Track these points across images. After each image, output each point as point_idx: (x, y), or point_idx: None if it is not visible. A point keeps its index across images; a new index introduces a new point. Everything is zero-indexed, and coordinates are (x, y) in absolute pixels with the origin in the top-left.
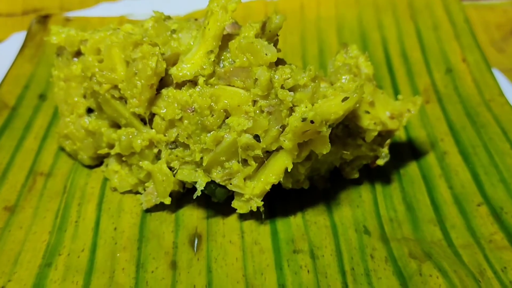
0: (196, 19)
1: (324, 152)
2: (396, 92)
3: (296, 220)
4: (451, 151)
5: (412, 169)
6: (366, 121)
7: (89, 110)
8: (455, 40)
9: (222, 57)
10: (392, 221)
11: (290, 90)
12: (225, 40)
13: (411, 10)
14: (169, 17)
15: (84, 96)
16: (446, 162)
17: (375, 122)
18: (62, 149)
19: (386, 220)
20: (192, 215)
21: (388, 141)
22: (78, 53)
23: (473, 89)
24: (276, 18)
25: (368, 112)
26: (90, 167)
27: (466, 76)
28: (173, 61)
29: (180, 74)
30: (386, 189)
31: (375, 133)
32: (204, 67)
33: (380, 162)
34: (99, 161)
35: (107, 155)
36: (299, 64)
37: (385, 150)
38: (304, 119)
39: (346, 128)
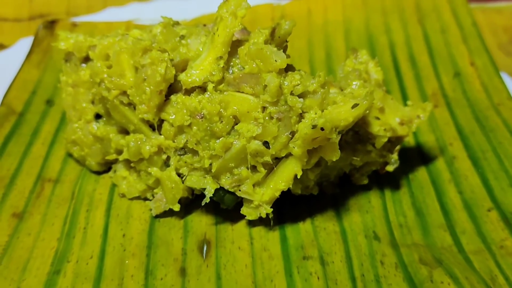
0: (204, 25)
1: (334, 159)
2: (404, 96)
3: (305, 226)
4: (460, 156)
5: (421, 174)
6: (376, 127)
7: (97, 116)
8: (463, 44)
9: (232, 63)
10: (401, 227)
11: (299, 96)
12: (234, 46)
13: (419, 14)
14: (177, 23)
15: (92, 102)
16: (455, 167)
17: (385, 128)
18: (69, 155)
19: (395, 225)
20: (201, 221)
21: (398, 147)
22: (87, 59)
23: (481, 93)
24: (286, 24)
25: (378, 118)
26: (98, 173)
27: (474, 80)
28: (182, 67)
29: (189, 80)
30: (395, 194)
31: (385, 140)
32: (214, 73)
33: (390, 168)
34: (107, 167)
35: (115, 161)
36: (306, 68)
37: (394, 156)
38: (314, 126)
39: (356, 134)
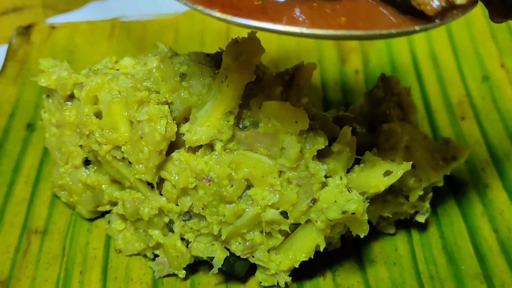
0: (207, 55)
1: (362, 235)
2: (426, 104)
3: (326, 283)
4: (494, 185)
5: (450, 206)
6: (411, 179)
7: (87, 161)
8: (491, 40)
9: (243, 116)
10: (433, 279)
11: (321, 155)
12: (246, 94)
13: None
14: (175, 53)
15: (81, 145)
16: (488, 198)
17: (421, 179)
18: (57, 195)
19: (426, 278)
20: (209, 283)
21: (430, 195)
22: (72, 96)
23: None
24: (306, 69)
25: (413, 167)
26: (91, 219)
27: (505, 86)
28: (184, 115)
29: (194, 138)
30: (424, 235)
31: (421, 192)
32: (222, 131)
33: (421, 218)
34: (100, 213)
35: (109, 210)
36: (316, 72)
37: (426, 205)
38: (344, 212)
39: None
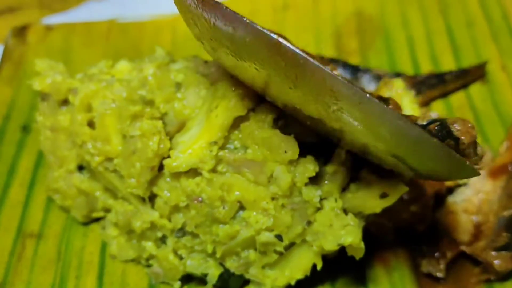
0: (206, 62)
1: (357, 258)
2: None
3: None
4: None
5: None
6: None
7: (81, 167)
8: (492, 41)
9: (233, 137)
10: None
11: (315, 176)
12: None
13: (441, 4)
14: (172, 59)
15: None
16: None
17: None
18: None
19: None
20: None
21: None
22: (66, 101)
23: None
24: None
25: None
26: (86, 223)
27: (506, 90)
28: (177, 129)
29: (174, 164)
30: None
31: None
32: (204, 160)
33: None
34: (95, 218)
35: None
36: None
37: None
38: (340, 244)
39: None
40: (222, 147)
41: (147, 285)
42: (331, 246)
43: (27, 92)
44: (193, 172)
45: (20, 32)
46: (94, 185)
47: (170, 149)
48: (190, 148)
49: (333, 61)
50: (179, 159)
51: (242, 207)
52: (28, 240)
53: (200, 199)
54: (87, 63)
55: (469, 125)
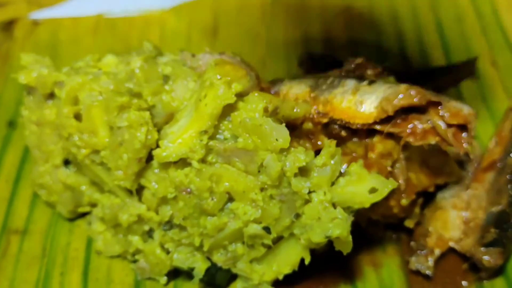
0: (193, 55)
1: (345, 253)
2: None
3: None
4: None
5: None
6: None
7: (67, 161)
8: (482, 37)
9: (223, 127)
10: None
11: (304, 169)
12: (227, 107)
13: None
14: (160, 53)
15: None
16: None
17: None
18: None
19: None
20: (194, 285)
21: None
22: (52, 94)
23: (504, 102)
24: (296, 108)
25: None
26: (72, 218)
27: (496, 85)
28: (166, 120)
29: (164, 154)
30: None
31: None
32: (194, 150)
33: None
34: (81, 213)
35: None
36: None
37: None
38: (328, 237)
39: None
40: (212, 137)
41: (132, 281)
42: (318, 238)
43: (13, 88)
44: (182, 162)
45: (7, 26)
46: (80, 179)
47: (158, 140)
48: (180, 138)
49: (323, 57)
50: (168, 149)
51: (230, 199)
52: (13, 236)
53: (188, 190)
54: (74, 58)
55: None
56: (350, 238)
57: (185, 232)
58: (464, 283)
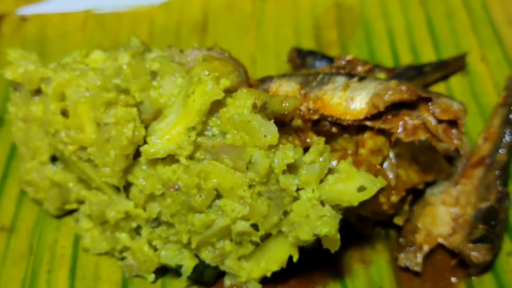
0: (181, 51)
1: (333, 251)
2: None
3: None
4: None
5: None
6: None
7: (54, 158)
8: (471, 32)
9: (211, 123)
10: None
11: (292, 166)
12: (215, 103)
13: None
14: (148, 49)
15: None
16: None
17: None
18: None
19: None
20: (182, 282)
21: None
22: (39, 90)
23: (494, 97)
24: (285, 102)
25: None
26: (59, 216)
27: (486, 80)
28: (153, 117)
29: (152, 150)
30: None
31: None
32: (183, 146)
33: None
34: (68, 210)
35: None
36: None
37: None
38: (316, 235)
39: None
40: (200, 134)
41: (120, 278)
42: (306, 236)
43: (0, 83)
44: (170, 159)
45: None
46: (67, 176)
47: (145, 136)
48: (168, 134)
49: (312, 54)
50: (156, 145)
51: (218, 196)
52: (0, 234)
53: (176, 187)
54: (62, 54)
55: None
56: (338, 236)
57: (173, 229)
58: (453, 279)
